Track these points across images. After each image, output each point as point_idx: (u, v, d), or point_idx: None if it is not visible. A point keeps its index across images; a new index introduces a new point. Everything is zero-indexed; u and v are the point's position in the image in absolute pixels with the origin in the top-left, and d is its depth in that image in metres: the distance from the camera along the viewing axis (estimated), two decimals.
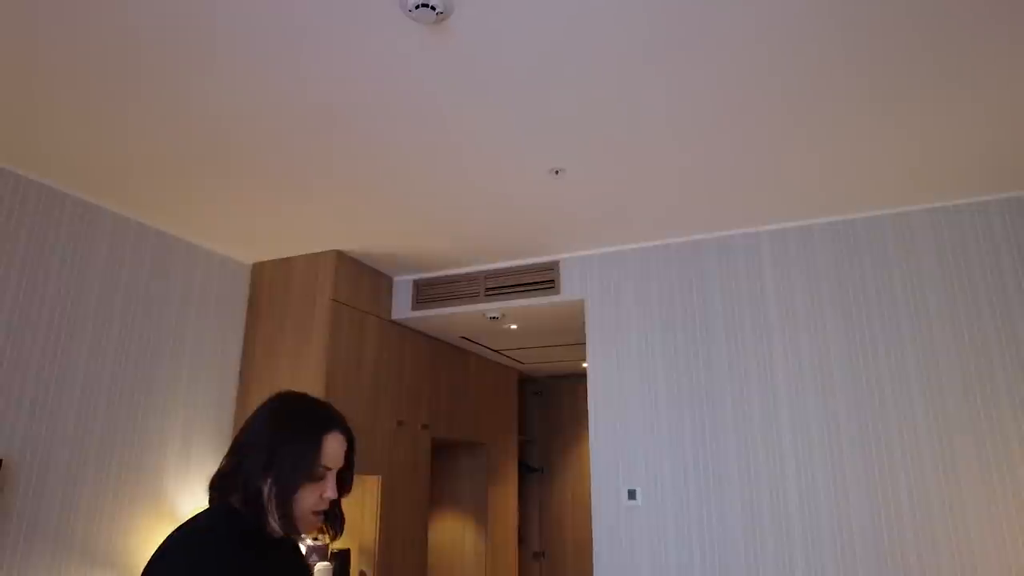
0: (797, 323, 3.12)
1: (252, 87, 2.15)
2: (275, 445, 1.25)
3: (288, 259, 3.74)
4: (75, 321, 2.89)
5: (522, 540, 5.71)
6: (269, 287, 3.75)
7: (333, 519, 1.33)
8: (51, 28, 1.88)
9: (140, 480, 3.07)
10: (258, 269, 3.83)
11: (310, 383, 3.42)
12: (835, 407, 2.96)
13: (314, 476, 1.24)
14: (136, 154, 2.59)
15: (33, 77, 2.10)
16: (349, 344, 3.61)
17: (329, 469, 1.27)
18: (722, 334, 3.24)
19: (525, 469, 5.89)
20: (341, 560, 3.53)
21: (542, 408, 6.17)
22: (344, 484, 1.32)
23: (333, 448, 1.28)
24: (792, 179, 2.78)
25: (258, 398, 3.57)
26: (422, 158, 2.61)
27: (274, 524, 1.24)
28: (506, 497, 5.17)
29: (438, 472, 5.01)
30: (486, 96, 2.19)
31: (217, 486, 1.27)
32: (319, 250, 3.63)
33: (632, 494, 3.22)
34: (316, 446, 1.26)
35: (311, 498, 1.25)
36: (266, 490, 1.23)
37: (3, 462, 2.53)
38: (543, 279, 3.71)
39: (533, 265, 3.76)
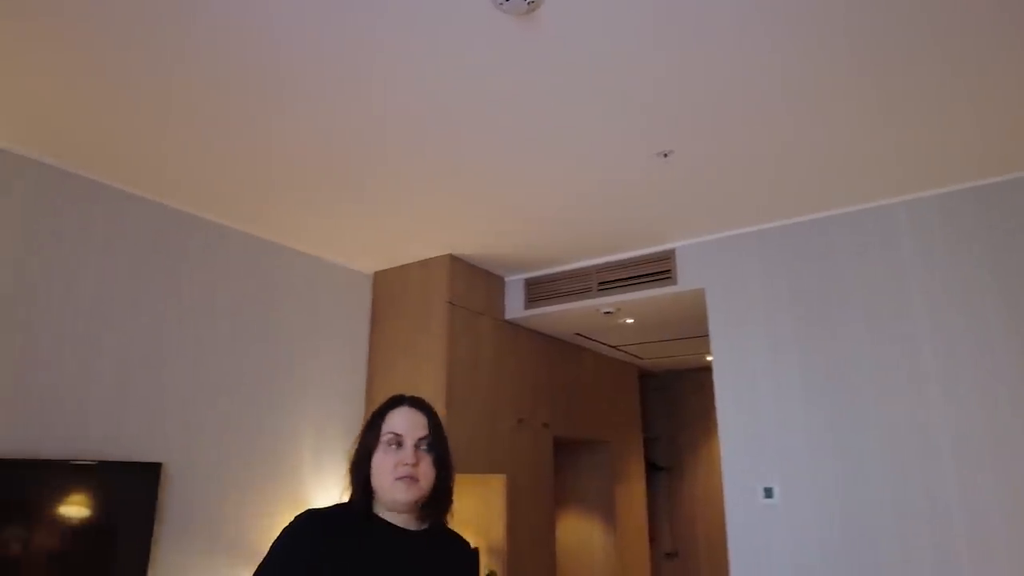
0: (948, 299, 2.80)
1: (358, 102, 2.21)
2: (361, 432, 1.42)
3: (405, 266, 3.85)
4: (213, 336, 3.12)
5: (653, 540, 5.55)
6: (389, 294, 3.88)
7: (435, 502, 1.38)
8: (183, 62, 2.02)
9: (279, 478, 3.26)
10: (379, 277, 3.97)
11: (431, 384, 3.49)
12: (999, 394, 2.63)
13: (382, 441, 1.35)
14: (264, 177, 2.75)
15: (168, 107, 2.28)
16: (466, 345, 3.65)
17: (399, 435, 1.35)
18: (859, 316, 2.97)
19: (652, 468, 5.72)
20: None
21: (666, 404, 5.98)
22: (440, 460, 1.38)
23: (398, 418, 1.38)
24: (935, 144, 2.49)
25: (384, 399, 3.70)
26: (523, 154, 2.58)
27: (378, 501, 1.34)
28: (633, 496, 5.05)
29: (562, 471, 4.97)
30: (583, 83, 2.13)
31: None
32: (433, 255, 3.71)
33: (769, 492, 3.03)
34: (382, 418, 1.39)
35: (387, 464, 1.33)
36: (352, 472, 1.36)
37: (163, 466, 2.76)
38: (658, 269, 3.58)
39: (647, 256, 3.63)
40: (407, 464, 1.32)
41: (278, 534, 1.29)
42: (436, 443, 1.38)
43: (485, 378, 3.75)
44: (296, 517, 1.30)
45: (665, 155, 2.59)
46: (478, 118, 2.33)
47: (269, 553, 1.27)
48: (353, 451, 1.39)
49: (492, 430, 3.73)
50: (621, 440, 5.07)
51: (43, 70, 2.06)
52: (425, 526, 1.38)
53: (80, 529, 2.45)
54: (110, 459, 2.62)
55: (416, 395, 1.45)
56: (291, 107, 2.27)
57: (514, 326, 4.10)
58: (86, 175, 2.74)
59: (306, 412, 3.46)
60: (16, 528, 2.29)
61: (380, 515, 1.34)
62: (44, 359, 2.52)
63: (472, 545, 3.54)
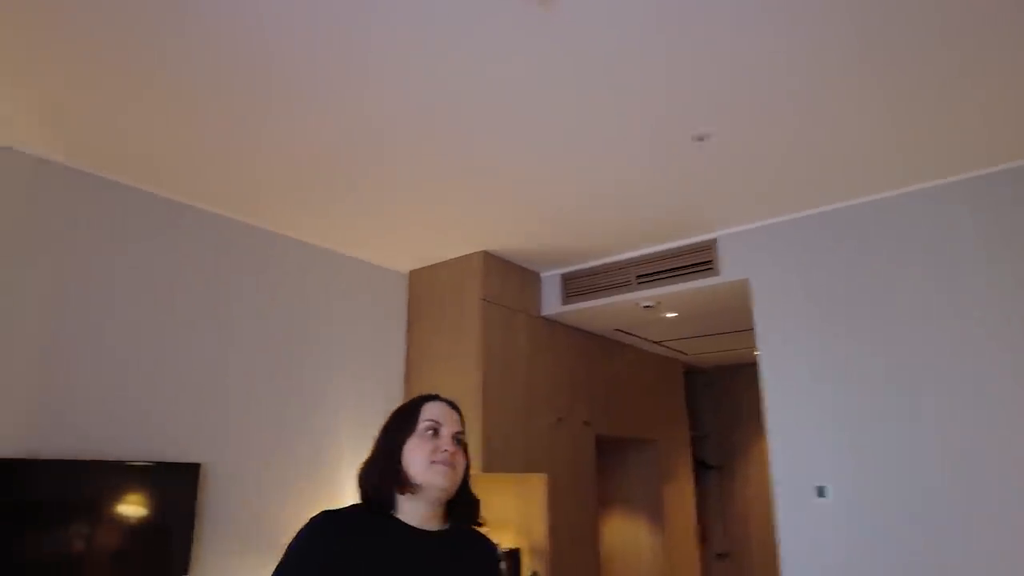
0: (1014, 287, 2.59)
1: (387, 100, 2.18)
2: (380, 433, 1.39)
3: (440, 264, 3.82)
4: (251, 337, 3.14)
5: (704, 540, 5.39)
6: (425, 292, 3.86)
7: (464, 505, 1.37)
8: (214, 67, 2.02)
9: (318, 478, 3.26)
10: (415, 276, 3.95)
11: (467, 382, 3.45)
12: None
13: (419, 429, 1.34)
14: (297, 179, 2.75)
15: (201, 114, 2.29)
16: (502, 342, 3.59)
17: (439, 423, 1.35)
18: (916, 305, 2.79)
19: (701, 466, 5.56)
20: (512, 560, 3.51)
21: (716, 401, 5.80)
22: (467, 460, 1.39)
23: (436, 409, 1.38)
24: (1000, 116, 2.31)
25: None
26: (553, 146, 2.51)
27: (405, 491, 1.30)
28: (681, 495, 4.91)
29: (607, 470, 4.86)
30: (611, 68, 2.04)
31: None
32: (467, 252, 3.66)
33: (821, 491, 2.87)
34: (417, 410, 1.38)
35: (423, 450, 1.31)
36: (377, 466, 1.33)
37: (202, 467, 2.79)
38: (699, 260, 3.44)
39: (687, 246, 3.50)
40: (446, 450, 1.32)
41: (295, 535, 1.26)
42: (465, 442, 1.40)
43: (522, 376, 3.69)
44: (311, 518, 1.27)
45: (700, 139, 2.48)
46: (506, 111, 2.27)
47: (284, 554, 1.24)
48: (372, 453, 1.37)
49: (530, 429, 3.66)
50: (668, 438, 4.93)
51: (83, 84, 2.09)
52: (446, 526, 1.35)
53: (127, 526, 2.49)
54: (150, 460, 2.65)
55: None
56: (319, 107, 2.25)
57: (551, 322, 4.02)
58: (122, 181, 2.79)
59: (345, 412, 3.45)
60: (79, 525, 2.35)
61: (398, 516, 1.31)
62: (90, 364, 2.58)
63: (513, 546, 3.51)
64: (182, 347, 2.87)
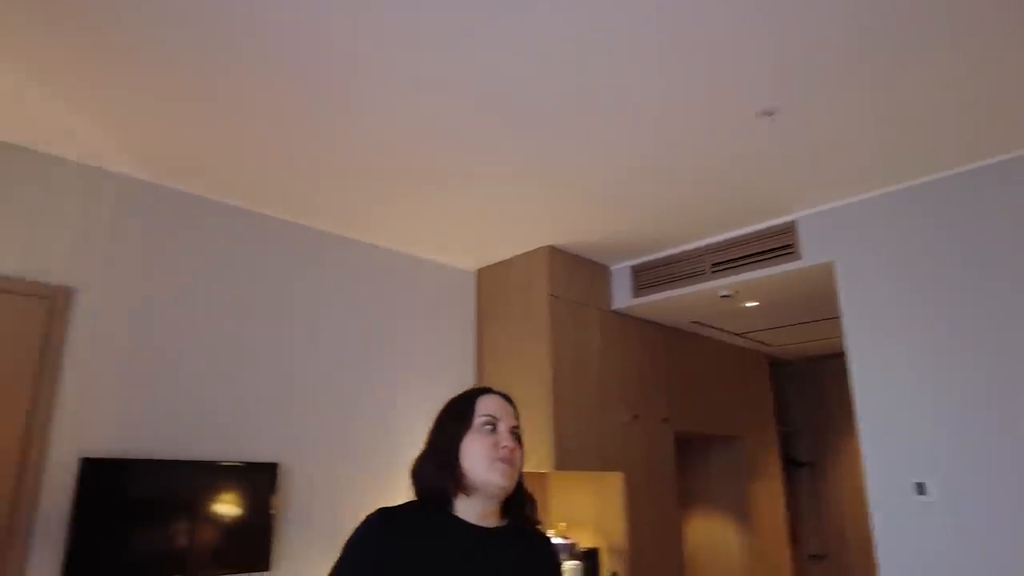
0: None
1: (453, 96, 2.16)
2: (433, 428, 1.35)
3: (506, 261, 3.79)
4: (325, 340, 3.21)
5: (796, 541, 5.11)
6: (493, 290, 3.84)
7: (520, 503, 1.33)
8: (278, 78, 2.06)
9: (392, 474, 3.30)
10: (482, 274, 3.94)
11: (537, 379, 3.40)
12: None
13: (476, 424, 1.29)
14: (365, 183, 2.79)
15: (273, 127, 2.35)
16: (571, 338, 3.52)
17: (495, 418, 1.30)
18: (1020, 282, 2.52)
19: (791, 464, 5.28)
20: (591, 559, 3.43)
21: (805, 394, 5.50)
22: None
23: (492, 403, 1.33)
24: None
25: None
26: (616, 132, 2.42)
27: (463, 491, 1.26)
28: (770, 494, 4.67)
29: (688, 468, 4.69)
30: (673, 43, 1.94)
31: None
32: (533, 248, 3.61)
33: (921, 488, 2.64)
34: (472, 404, 1.33)
35: (483, 447, 1.27)
36: (433, 463, 1.29)
37: (279, 466, 2.86)
38: (779, 244, 3.25)
39: (765, 230, 3.32)
40: (506, 446, 1.27)
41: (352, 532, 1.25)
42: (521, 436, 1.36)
43: (594, 372, 3.60)
44: (367, 516, 1.26)
45: (769, 114, 2.32)
46: (568, 99, 2.21)
47: (342, 552, 1.23)
48: (426, 448, 1.34)
49: (604, 426, 3.56)
50: (754, 434, 4.70)
51: (159, 106, 2.19)
52: (504, 523, 1.31)
53: (213, 523, 2.59)
54: (232, 460, 2.74)
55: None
56: (384, 109, 2.27)
57: (623, 316, 3.91)
58: (197, 193, 2.91)
59: (416, 411, 3.47)
60: (173, 521, 2.47)
61: (456, 513, 1.27)
62: (175, 371, 2.70)
63: (591, 545, 3.43)
64: (258, 353, 2.97)
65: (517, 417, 1.36)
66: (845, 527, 5.01)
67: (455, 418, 1.32)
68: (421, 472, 1.31)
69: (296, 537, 2.89)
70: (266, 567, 2.68)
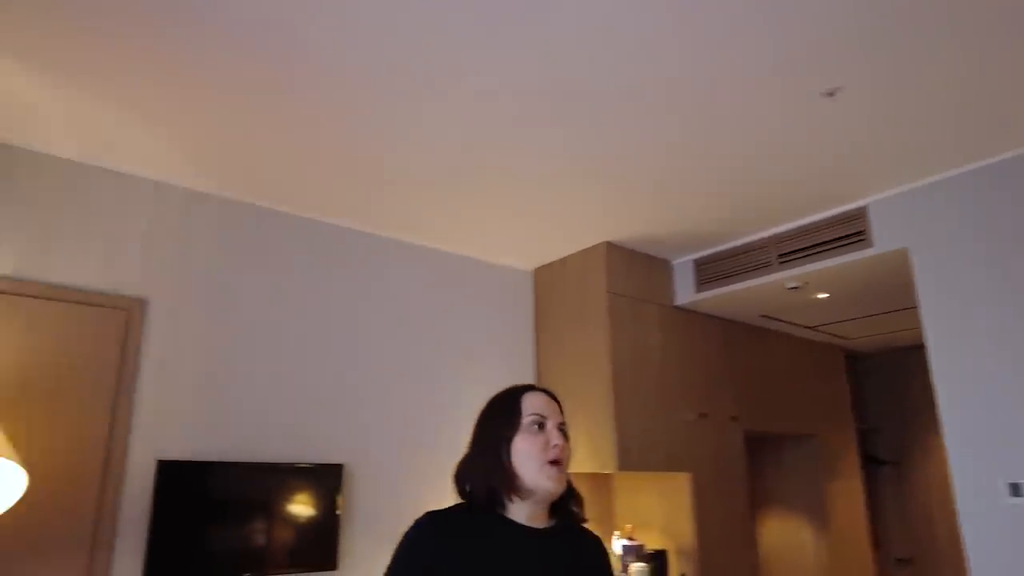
0: None
1: (511, 99, 2.16)
2: (477, 428, 1.34)
3: (563, 259, 3.75)
4: (387, 343, 3.26)
5: (879, 544, 4.85)
6: (550, 289, 3.81)
7: (568, 504, 1.30)
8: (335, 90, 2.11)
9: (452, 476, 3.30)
10: (539, 273, 3.91)
11: (597, 378, 3.34)
12: None
13: (524, 423, 1.26)
14: (420, 188, 2.82)
15: (332, 137, 2.40)
16: (631, 336, 3.45)
17: (543, 417, 1.27)
18: None
19: (871, 463, 5.02)
20: (659, 561, 3.35)
21: (885, 389, 5.21)
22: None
23: (537, 400, 1.29)
24: None
25: None
26: (670, 117, 2.35)
27: (514, 493, 1.24)
28: (849, 495, 4.45)
29: (760, 468, 4.52)
30: (725, 23, 1.87)
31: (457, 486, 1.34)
32: (589, 244, 3.56)
33: (1016, 489, 2.45)
34: (517, 402, 1.29)
35: (534, 448, 1.24)
36: (480, 465, 1.27)
37: (344, 467, 2.92)
38: (849, 232, 3.09)
39: (833, 217, 3.16)
40: (557, 445, 1.25)
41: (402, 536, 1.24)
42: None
43: (656, 369, 3.51)
44: (417, 520, 1.25)
45: (831, 94, 2.20)
46: (619, 88, 2.15)
47: (393, 556, 1.23)
48: (471, 450, 1.32)
49: (669, 425, 3.47)
50: (830, 432, 4.49)
51: (223, 120, 2.27)
52: (552, 523, 1.28)
53: (282, 522, 2.66)
54: (300, 462, 2.82)
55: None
56: (440, 114, 2.28)
57: (686, 312, 3.80)
58: (261, 204, 3.01)
59: (478, 410, 3.47)
60: (246, 520, 2.56)
61: (503, 513, 1.26)
62: (246, 377, 2.80)
63: (659, 547, 3.35)
64: (322, 356, 3.04)
65: (563, 413, 1.33)
66: (934, 529, 4.72)
67: (502, 417, 1.30)
68: (469, 474, 1.30)
69: (360, 537, 2.94)
70: (333, 566, 2.73)
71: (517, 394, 1.32)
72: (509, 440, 1.26)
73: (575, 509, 1.32)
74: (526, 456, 1.23)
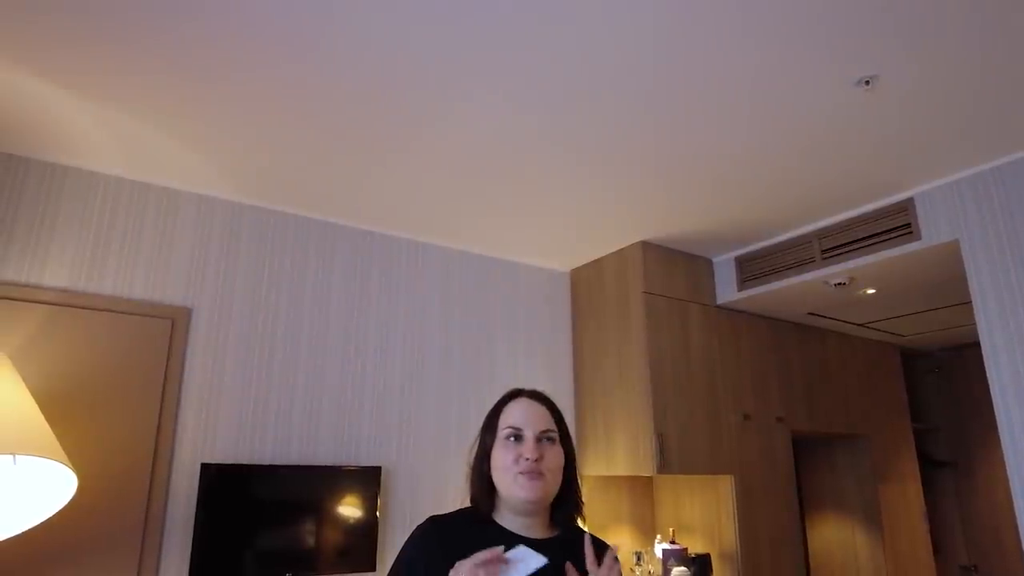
0: None
1: (540, 98, 2.16)
2: (478, 435, 1.36)
3: (599, 259, 3.72)
4: (425, 346, 3.29)
5: (938, 550, 4.64)
6: (587, 289, 3.78)
7: (564, 502, 1.30)
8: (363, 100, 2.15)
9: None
10: (576, 275, 3.89)
11: (635, 379, 3.30)
12: None
13: (499, 436, 1.28)
14: (456, 192, 2.84)
15: (362, 144, 2.45)
16: (670, 336, 3.39)
17: (517, 428, 1.27)
18: None
19: (929, 464, 4.81)
20: (701, 565, 3.29)
21: (944, 388, 4.99)
22: (568, 455, 1.31)
23: (515, 410, 1.30)
24: None
25: (591, 399, 3.59)
26: (707, 113, 2.30)
27: (497, 501, 1.28)
28: (906, 498, 4.27)
29: (811, 471, 4.39)
30: (757, 15, 1.82)
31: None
32: (625, 244, 3.52)
33: None
34: (497, 413, 1.32)
35: (507, 460, 1.25)
36: (473, 472, 1.32)
37: (382, 469, 2.96)
38: (895, 225, 2.97)
39: (878, 210, 3.04)
40: (527, 458, 1.22)
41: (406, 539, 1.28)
42: (563, 437, 1.30)
43: (697, 370, 3.45)
44: (420, 524, 1.29)
45: (867, 82, 2.12)
46: (653, 83, 2.12)
47: (395, 561, 1.26)
48: (471, 455, 1.35)
49: (711, 427, 3.40)
50: (884, 433, 4.33)
51: (260, 134, 2.34)
52: (555, 532, 1.27)
53: (323, 524, 2.72)
54: (334, 464, 2.87)
55: (537, 389, 1.37)
56: (475, 119, 2.30)
57: (728, 311, 3.72)
58: (302, 214, 3.08)
59: None
60: (291, 523, 2.62)
61: (502, 522, 1.26)
62: (283, 380, 2.87)
63: (702, 551, 3.28)
64: (362, 362, 3.09)
65: (551, 418, 1.30)
66: (1000, 536, 4.49)
67: (485, 427, 1.33)
68: (470, 480, 1.34)
69: (399, 539, 2.98)
70: (372, 568, 2.77)
71: (500, 404, 1.34)
72: (489, 451, 1.29)
73: (569, 517, 1.31)
74: (501, 468, 1.25)
